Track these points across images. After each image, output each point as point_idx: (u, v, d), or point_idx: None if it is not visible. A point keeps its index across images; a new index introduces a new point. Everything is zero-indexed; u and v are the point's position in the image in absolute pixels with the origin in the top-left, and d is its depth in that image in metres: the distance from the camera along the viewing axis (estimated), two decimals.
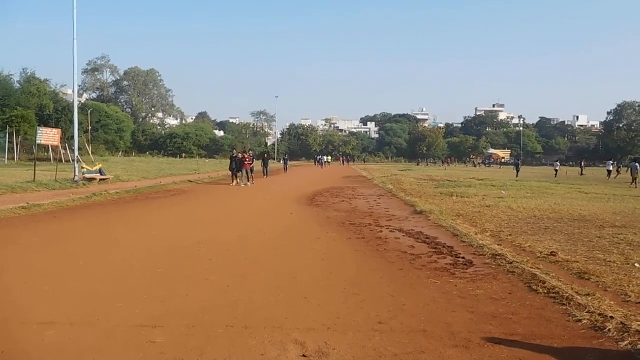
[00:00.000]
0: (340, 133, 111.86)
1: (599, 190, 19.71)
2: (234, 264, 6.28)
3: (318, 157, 65.77)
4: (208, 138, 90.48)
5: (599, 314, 4.20)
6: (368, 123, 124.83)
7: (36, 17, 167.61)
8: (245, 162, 22.05)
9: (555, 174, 36.08)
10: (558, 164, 39.84)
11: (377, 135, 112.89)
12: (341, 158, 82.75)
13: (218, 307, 4.45)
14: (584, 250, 7.06)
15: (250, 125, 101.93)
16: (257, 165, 28.05)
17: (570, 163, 78.32)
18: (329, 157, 73.51)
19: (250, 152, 25.75)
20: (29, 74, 56.13)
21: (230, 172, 22.60)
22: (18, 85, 54.92)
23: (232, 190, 19.07)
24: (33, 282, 5.24)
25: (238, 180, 21.83)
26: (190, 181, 22.59)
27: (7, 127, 37.89)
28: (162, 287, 5.08)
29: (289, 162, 42.31)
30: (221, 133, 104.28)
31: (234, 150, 25.80)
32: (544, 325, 4.09)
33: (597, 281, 5.34)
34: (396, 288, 5.20)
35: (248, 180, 21.99)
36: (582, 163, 44.90)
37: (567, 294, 4.78)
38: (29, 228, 8.90)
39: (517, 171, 35.16)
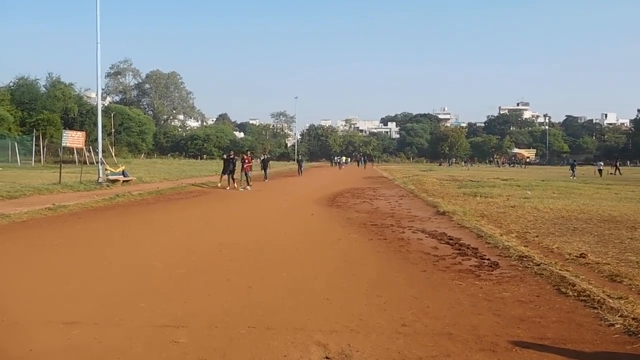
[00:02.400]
0: (360, 133, 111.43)
1: (629, 190, 19.13)
2: (255, 265, 6.27)
3: (336, 158, 62.86)
4: (228, 140, 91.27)
5: (633, 318, 4.04)
6: (389, 123, 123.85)
7: (62, 22, 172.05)
8: (244, 164, 20.23)
9: (600, 174, 33.94)
10: (602, 164, 37.97)
11: (398, 136, 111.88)
12: (358, 158, 66.58)
13: (240, 308, 4.44)
14: (615, 252, 6.83)
15: (270, 127, 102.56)
16: (257, 168, 27.59)
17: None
18: (344, 158, 67.03)
19: (249, 152, 23.57)
20: (54, 78, 57.51)
21: (225, 176, 20.46)
22: (44, 89, 56.31)
23: (252, 192, 19.13)
24: (59, 282, 5.33)
25: (236, 184, 20.10)
26: (212, 183, 22.78)
27: (34, 131, 38.89)
28: (185, 288, 5.10)
29: (304, 164, 40.08)
30: (241, 135, 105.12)
31: (232, 152, 23.15)
32: (575, 329, 3.96)
33: (630, 284, 5.15)
34: (420, 290, 5.11)
35: (245, 184, 19.87)
36: (618, 162, 42.98)
37: (599, 297, 4.61)
38: (55, 229, 9.09)
39: (573, 171, 33.41)
